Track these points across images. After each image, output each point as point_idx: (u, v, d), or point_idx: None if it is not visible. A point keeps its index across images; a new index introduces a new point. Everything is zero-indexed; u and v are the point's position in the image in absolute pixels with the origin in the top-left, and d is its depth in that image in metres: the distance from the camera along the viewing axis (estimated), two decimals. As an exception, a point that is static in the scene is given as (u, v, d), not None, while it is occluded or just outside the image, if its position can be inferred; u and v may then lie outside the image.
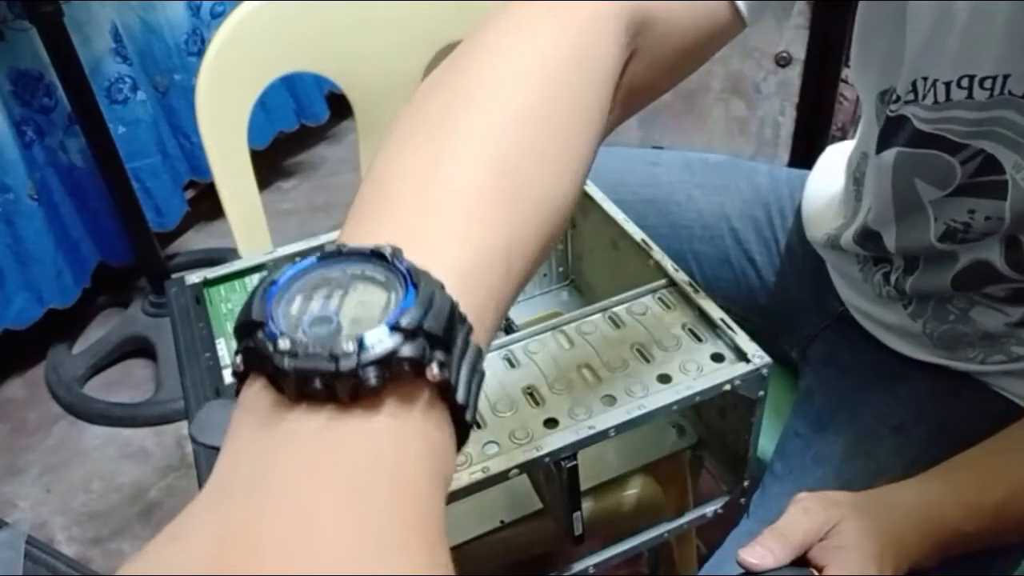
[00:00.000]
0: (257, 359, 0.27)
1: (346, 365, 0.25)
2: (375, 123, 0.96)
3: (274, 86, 0.95)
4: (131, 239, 1.56)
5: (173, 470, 1.42)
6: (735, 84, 1.52)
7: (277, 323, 0.27)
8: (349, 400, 0.26)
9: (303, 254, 0.68)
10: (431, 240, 0.31)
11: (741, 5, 0.47)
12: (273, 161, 2.07)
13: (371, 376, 0.25)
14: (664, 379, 0.55)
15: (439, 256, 0.30)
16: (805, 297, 0.82)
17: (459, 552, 0.65)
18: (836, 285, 0.79)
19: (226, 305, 0.65)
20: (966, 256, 0.62)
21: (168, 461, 1.44)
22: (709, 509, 0.64)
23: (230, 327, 0.62)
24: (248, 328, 0.27)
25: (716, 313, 0.58)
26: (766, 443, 0.76)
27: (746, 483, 0.63)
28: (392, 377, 0.26)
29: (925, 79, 0.55)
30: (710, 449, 0.67)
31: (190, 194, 1.84)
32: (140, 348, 1.62)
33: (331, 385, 0.25)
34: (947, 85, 0.54)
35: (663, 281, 0.63)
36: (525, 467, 0.50)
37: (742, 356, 0.55)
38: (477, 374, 0.29)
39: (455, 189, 0.33)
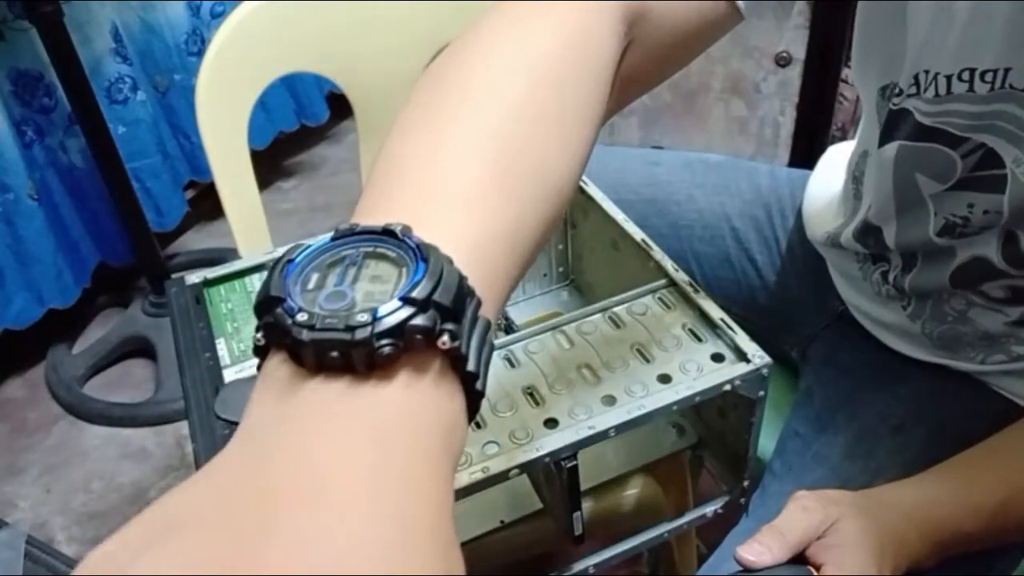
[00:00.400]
0: (277, 333, 0.28)
1: (361, 335, 0.27)
2: (375, 123, 0.96)
3: (274, 86, 0.95)
4: (131, 239, 1.56)
5: (173, 470, 1.42)
6: (735, 84, 1.52)
7: (295, 299, 0.28)
8: (365, 370, 0.27)
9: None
10: (437, 220, 0.33)
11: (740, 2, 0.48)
12: (273, 161, 2.07)
13: (385, 345, 0.27)
14: (664, 379, 0.55)
15: (445, 234, 0.31)
16: (805, 297, 0.82)
17: (459, 552, 0.65)
18: (836, 284, 0.79)
19: (226, 305, 0.65)
20: (964, 252, 0.62)
21: (168, 461, 1.44)
22: (709, 509, 0.64)
23: (230, 327, 0.62)
24: (268, 304, 0.29)
25: (716, 313, 0.58)
26: (766, 443, 0.76)
27: (746, 483, 0.63)
28: (405, 347, 0.27)
29: (927, 72, 0.55)
30: (710, 449, 0.67)
31: (190, 194, 1.84)
32: (140, 348, 1.62)
33: (347, 355, 0.27)
34: (948, 78, 0.54)
35: (663, 281, 0.63)
36: (525, 467, 0.50)
37: (742, 356, 0.55)
38: (487, 345, 0.30)
39: (457, 175, 0.35)
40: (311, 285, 0.29)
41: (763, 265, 0.84)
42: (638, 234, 0.67)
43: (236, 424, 0.28)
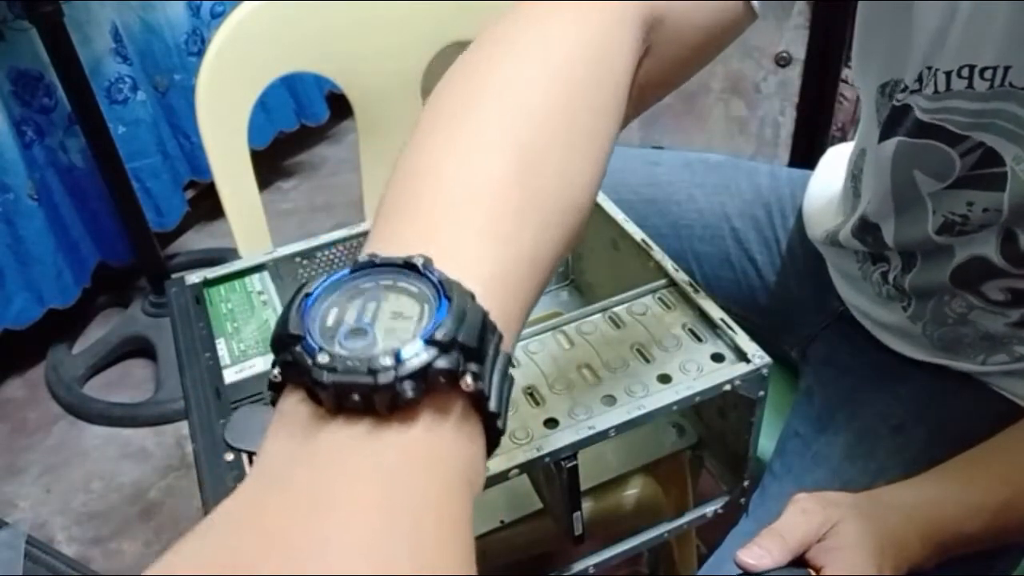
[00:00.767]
0: (296, 372, 0.27)
1: (384, 379, 0.26)
2: (375, 123, 0.96)
3: (274, 86, 0.95)
4: (131, 239, 1.56)
5: (173, 470, 1.42)
6: (735, 84, 1.52)
7: (315, 338, 0.27)
8: (387, 412, 0.27)
9: (304, 254, 0.68)
10: (457, 246, 0.32)
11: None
12: (273, 161, 2.07)
13: (408, 389, 0.26)
14: (664, 379, 0.55)
15: (466, 260, 0.31)
16: (805, 297, 0.82)
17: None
18: (836, 284, 0.79)
19: (226, 305, 0.64)
20: (963, 251, 0.62)
21: (168, 461, 1.44)
22: (709, 509, 0.64)
23: (230, 327, 0.62)
24: (285, 341, 0.28)
25: (716, 313, 0.58)
26: (766, 443, 0.76)
27: (746, 483, 0.63)
28: (428, 389, 0.27)
29: (929, 68, 0.55)
30: (710, 449, 0.67)
31: (190, 194, 1.84)
32: (140, 348, 1.62)
33: (369, 398, 0.26)
34: (948, 75, 0.54)
35: (663, 281, 0.63)
36: (525, 467, 0.50)
37: (742, 356, 0.55)
38: (507, 381, 0.30)
39: (475, 192, 0.34)
40: (330, 321, 0.28)
41: (763, 265, 0.84)
42: (638, 234, 0.67)
43: (242, 451, 0.28)
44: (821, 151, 0.86)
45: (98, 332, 1.67)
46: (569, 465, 0.51)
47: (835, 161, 0.82)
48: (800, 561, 0.53)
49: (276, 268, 0.68)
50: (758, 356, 0.55)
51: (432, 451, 0.27)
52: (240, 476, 0.50)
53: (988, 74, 0.52)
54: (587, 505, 0.56)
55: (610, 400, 0.53)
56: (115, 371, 1.62)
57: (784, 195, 0.85)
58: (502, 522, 0.64)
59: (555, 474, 0.53)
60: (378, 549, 0.24)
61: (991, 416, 0.65)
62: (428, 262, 0.29)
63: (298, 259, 0.68)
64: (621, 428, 0.52)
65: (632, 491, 0.73)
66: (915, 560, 0.55)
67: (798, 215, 0.83)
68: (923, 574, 0.56)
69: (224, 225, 0.88)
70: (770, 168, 0.88)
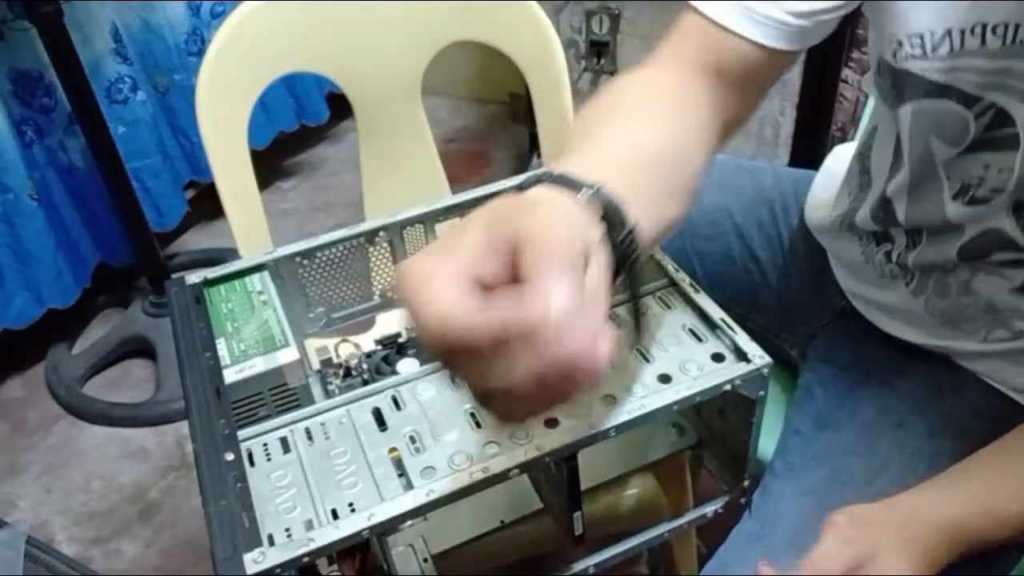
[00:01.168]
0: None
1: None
2: (375, 123, 0.96)
3: (274, 86, 0.95)
4: (131, 239, 1.56)
5: (173, 470, 1.43)
6: (735, 84, 1.52)
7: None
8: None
9: (304, 254, 0.68)
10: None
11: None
12: (273, 161, 2.07)
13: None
14: (664, 379, 0.55)
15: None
16: (807, 294, 0.82)
17: (459, 552, 0.65)
18: (837, 275, 0.79)
19: (226, 305, 0.64)
20: (973, 227, 0.62)
21: (168, 461, 1.44)
22: (709, 509, 0.64)
23: (230, 327, 0.62)
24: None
25: (716, 313, 0.58)
26: (766, 443, 0.76)
27: (746, 483, 0.63)
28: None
29: (933, 32, 0.57)
30: (710, 449, 0.67)
31: (190, 194, 1.84)
32: (140, 348, 1.62)
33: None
34: (962, 33, 0.55)
35: (663, 281, 0.63)
36: (525, 467, 0.50)
37: (742, 356, 0.55)
38: (635, 243, 0.44)
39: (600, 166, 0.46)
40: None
41: (766, 263, 0.84)
42: (638, 234, 0.67)
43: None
44: (821, 151, 0.86)
45: (98, 332, 1.67)
46: (569, 465, 0.51)
47: (843, 154, 0.82)
48: None
49: (276, 268, 0.68)
50: (758, 356, 0.55)
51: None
52: (240, 476, 0.50)
53: (1000, 31, 0.53)
54: (587, 505, 0.56)
55: (610, 400, 0.53)
56: (115, 371, 1.62)
57: (787, 192, 0.85)
58: (502, 522, 0.64)
59: (555, 474, 0.53)
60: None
61: (990, 411, 0.65)
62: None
63: (298, 259, 0.68)
64: (621, 428, 0.52)
65: (632, 491, 0.74)
66: (939, 566, 0.55)
67: (800, 213, 0.83)
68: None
69: (224, 225, 0.88)
70: (772, 167, 0.89)
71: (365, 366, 0.70)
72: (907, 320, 0.72)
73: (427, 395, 0.56)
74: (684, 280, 0.62)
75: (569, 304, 0.33)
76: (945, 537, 0.56)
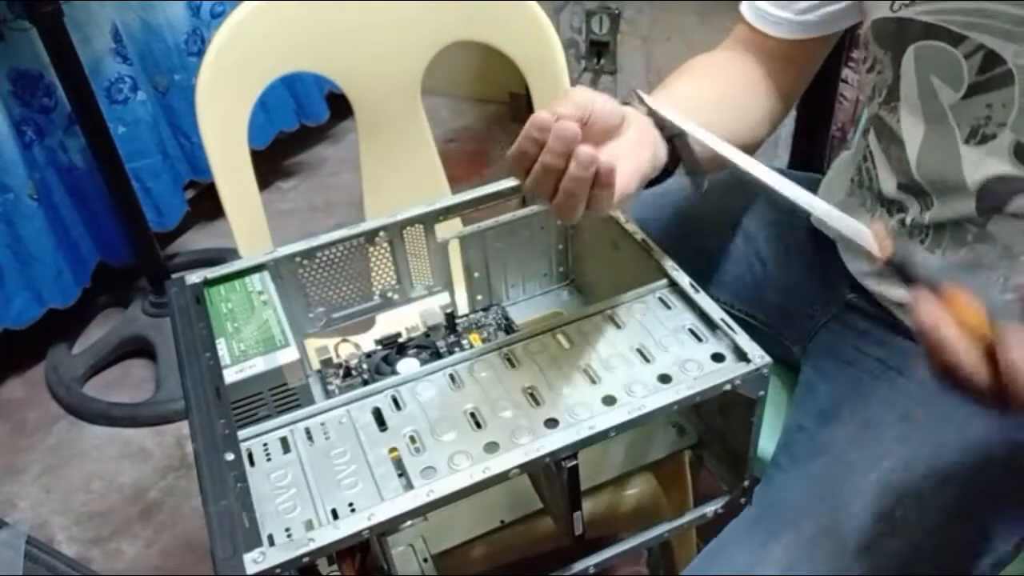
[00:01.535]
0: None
1: None
2: (375, 123, 0.96)
3: (274, 86, 0.95)
4: (131, 239, 1.56)
5: (173, 470, 1.43)
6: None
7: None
8: None
9: (304, 254, 0.68)
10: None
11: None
12: (273, 161, 2.07)
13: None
14: (664, 379, 0.55)
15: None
16: (813, 288, 0.82)
17: (459, 552, 0.65)
18: (846, 262, 0.78)
19: (226, 305, 0.65)
20: (983, 173, 0.62)
21: (168, 461, 1.44)
22: (709, 509, 0.64)
23: (230, 327, 0.62)
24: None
25: (716, 313, 0.58)
26: (766, 443, 0.76)
27: (746, 483, 0.63)
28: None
29: None
30: (710, 449, 0.67)
31: (190, 194, 1.84)
32: (140, 348, 1.62)
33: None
34: None
35: (663, 281, 0.63)
36: (525, 467, 0.50)
37: (742, 356, 0.55)
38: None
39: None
40: None
41: (769, 259, 0.84)
42: (638, 234, 0.67)
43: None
44: (821, 151, 0.86)
45: (98, 332, 1.67)
46: (569, 465, 0.51)
47: (842, 164, 0.83)
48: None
49: (276, 268, 0.68)
50: (758, 356, 0.55)
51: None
52: (240, 476, 0.50)
53: None
54: (587, 505, 0.56)
55: (610, 400, 0.53)
56: (115, 371, 1.62)
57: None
58: (502, 522, 0.64)
59: (555, 474, 0.53)
60: None
61: None
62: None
63: (298, 259, 0.68)
64: (621, 428, 0.52)
65: (632, 491, 0.73)
66: None
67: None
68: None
69: (224, 225, 0.88)
70: (778, 168, 0.89)
71: (365, 366, 0.70)
72: None
73: (427, 395, 0.56)
74: (684, 280, 0.62)
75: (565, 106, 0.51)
76: None
